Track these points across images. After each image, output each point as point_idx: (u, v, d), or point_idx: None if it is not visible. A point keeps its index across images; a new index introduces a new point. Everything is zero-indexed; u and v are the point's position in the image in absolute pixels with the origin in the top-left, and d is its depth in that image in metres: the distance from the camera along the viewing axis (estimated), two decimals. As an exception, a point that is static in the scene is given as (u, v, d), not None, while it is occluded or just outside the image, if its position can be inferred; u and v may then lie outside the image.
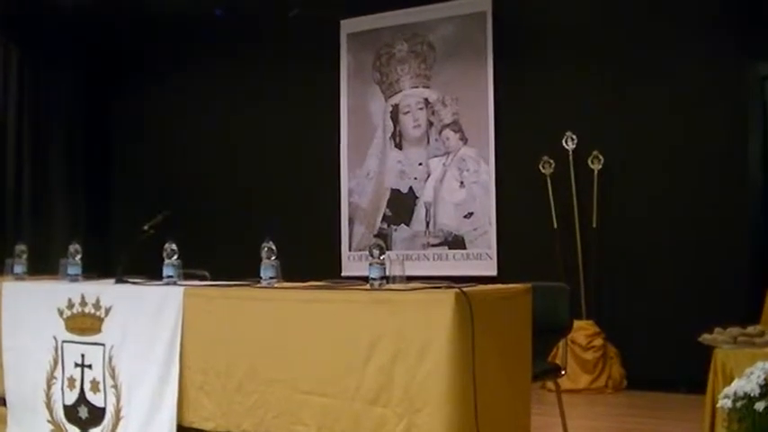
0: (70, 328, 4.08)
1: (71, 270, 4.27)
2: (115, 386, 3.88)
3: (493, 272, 6.50)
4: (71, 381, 4.04)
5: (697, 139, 5.92)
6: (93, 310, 4.01)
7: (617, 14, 6.24)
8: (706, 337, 3.79)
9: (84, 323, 4.04)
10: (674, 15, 6.02)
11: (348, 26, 7.34)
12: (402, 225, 7.02)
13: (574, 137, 6.22)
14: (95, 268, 4.46)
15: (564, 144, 6.24)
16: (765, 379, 3.01)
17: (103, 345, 3.94)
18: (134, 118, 8.34)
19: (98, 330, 3.97)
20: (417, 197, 6.98)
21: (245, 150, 7.73)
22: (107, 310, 3.96)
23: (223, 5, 7.55)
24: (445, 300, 3.00)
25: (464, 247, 6.74)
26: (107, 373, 3.91)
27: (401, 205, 7.04)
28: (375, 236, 6.91)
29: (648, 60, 6.08)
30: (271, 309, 3.49)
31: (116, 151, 8.50)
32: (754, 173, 5.78)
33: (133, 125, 8.35)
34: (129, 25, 8.04)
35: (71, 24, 7.87)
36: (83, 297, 4.05)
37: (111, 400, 3.88)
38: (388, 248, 6.68)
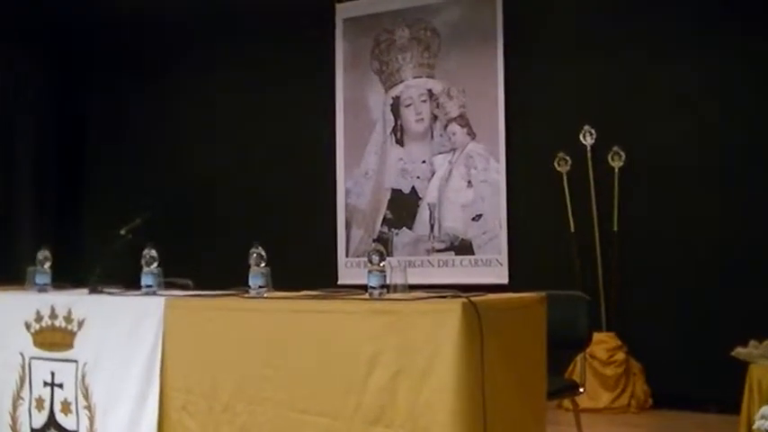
0: (39, 344, 4.08)
1: (40, 279, 4.27)
2: (88, 407, 3.87)
3: (504, 280, 6.51)
4: (39, 401, 4.04)
5: (730, 133, 5.92)
6: (64, 324, 4.01)
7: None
8: (740, 351, 3.80)
9: (55, 338, 4.04)
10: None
11: (344, 10, 7.36)
12: (404, 229, 7.03)
13: (592, 131, 6.22)
14: (67, 277, 4.46)
15: (581, 139, 6.25)
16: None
17: (76, 362, 3.93)
18: (111, 115, 8.36)
19: (70, 346, 3.97)
20: (420, 198, 6.98)
21: (230, 148, 7.74)
22: (80, 324, 3.96)
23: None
24: (451, 311, 3.00)
25: (472, 253, 6.74)
26: (80, 393, 3.91)
27: (403, 207, 7.05)
28: (374, 240, 6.92)
29: (677, 45, 6.09)
30: (260, 321, 3.49)
31: (91, 150, 8.52)
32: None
33: (110, 122, 8.37)
34: (103, 20, 8.07)
35: (46, 22, 7.91)
36: (53, 309, 4.05)
37: (84, 422, 3.88)
38: (389, 254, 6.69)
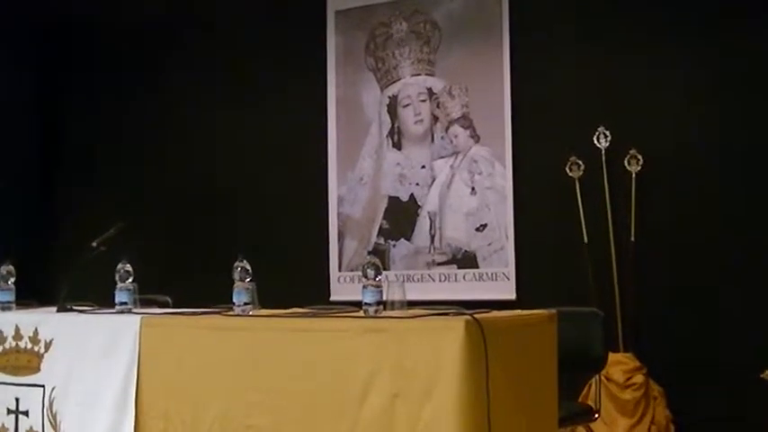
0: (2, 367, 4.09)
1: (3, 296, 4.29)
2: (57, 436, 3.88)
3: (511, 295, 6.51)
4: (3, 431, 4.04)
5: (759, 134, 5.94)
6: (29, 345, 4.02)
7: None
8: (769, 373, 3.82)
9: (19, 360, 4.05)
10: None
11: (336, 2, 7.37)
12: (402, 240, 7.04)
13: (607, 133, 6.24)
14: (33, 294, 4.48)
15: (595, 141, 6.26)
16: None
17: (43, 386, 3.95)
18: (85, 115, 8.36)
19: (36, 369, 3.98)
20: (420, 206, 7.00)
21: (212, 151, 7.74)
22: (47, 345, 3.97)
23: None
24: (454, 329, 3.02)
25: (476, 266, 6.76)
26: (47, 421, 3.91)
27: (401, 216, 7.06)
28: (370, 253, 6.93)
29: (699, 39, 6.11)
30: (246, 341, 3.51)
31: (63, 153, 8.49)
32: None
33: (86, 127, 8.37)
34: (82, 20, 8.12)
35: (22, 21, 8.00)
36: (17, 329, 4.07)
37: (53, 452, 3.88)
38: (386, 268, 6.70)
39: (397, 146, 7.11)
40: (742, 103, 6.00)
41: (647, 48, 6.25)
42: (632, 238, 6.14)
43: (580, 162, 6.29)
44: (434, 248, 6.91)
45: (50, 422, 3.89)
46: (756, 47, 5.96)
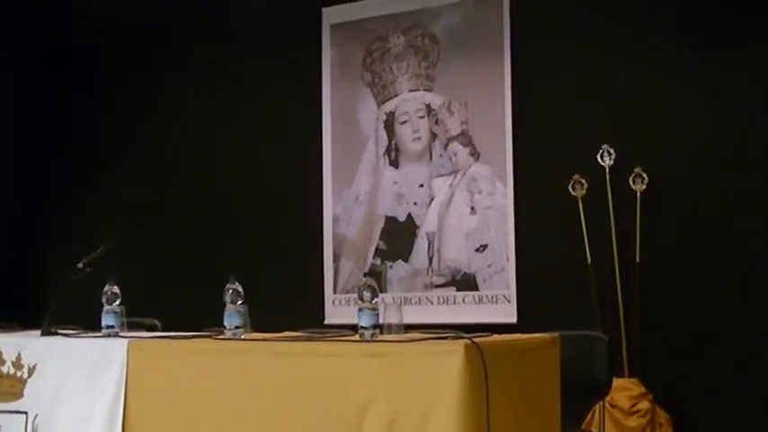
0: (-16, 393, 4.08)
1: (-15, 319, 4.28)
2: (41, 465, 3.87)
3: (512, 318, 6.52)
4: (-15, 458, 4.04)
5: (766, 153, 5.95)
6: (12, 370, 4.01)
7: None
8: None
9: (1, 386, 4.04)
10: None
11: (332, 15, 7.40)
12: (399, 261, 7.04)
13: (611, 150, 6.25)
14: (16, 317, 4.47)
15: (599, 159, 6.28)
16: None
17: (26, 413, 3.93)
18: (69, 130, 8.37)
19: (19, 395, 3.97)
20: (418, 226, 7.00)
21: (204, 169, 7.75)
22: (30, 370, 3.96)
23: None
24: (453, 353, 3.02)
25: (476, 288, 6.76)
26: (31, 449, 3.90)
27: (398, 236, 7.07)
28: (366, 274, 6.92)
29: (704, 54, 6.14)
30: (237, 366, 3.50)
31: (48, 170, 8.48)
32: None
33: (66, 138, 8.38)
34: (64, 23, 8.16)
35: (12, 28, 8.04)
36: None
37: (36, 482, 3.87)
38: (382, 290, 6.68)
39: (395, 164, 7.12)
40: (748, 121, 6.02)
41: (653, 64, 6.27)
42: (637, 259, 6.15)
43: (583, 181, 6.31)
44: (433, 270, 6.91)
45: (33, 450, 3.89)
46: (763, 66, 5.99)
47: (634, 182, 6.18)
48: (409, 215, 7.04)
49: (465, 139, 6.88)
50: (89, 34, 8.06)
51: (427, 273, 6.93)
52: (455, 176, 6.90)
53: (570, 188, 6.34)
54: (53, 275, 4.89)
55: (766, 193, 5.95)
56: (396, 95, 7.15)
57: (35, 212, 8.37)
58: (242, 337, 3.66)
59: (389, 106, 7.17)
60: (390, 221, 7.11)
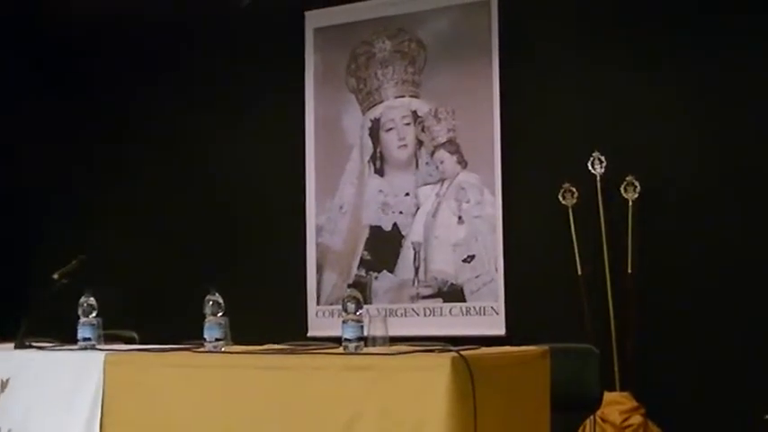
0: (-45, 408, 4.06)
1: (-43, 332, 4.27)
2: (14, 483, 3.86)
3: (500, 331, 6.52)
4: (-44, 476, 4.01)
5: (759, 160, 5.99)
6: (-15, 384, 4.00)
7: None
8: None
9: (-26, 401, 4.02)
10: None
11: (315, 19, 7.41)
12: (384, 272, 7.04)
13: (602, 158, 6.27)
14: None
15: (590, 167, 6.29)
16: None
17: (-1, 429, 3.92)
18: (46, 141, 8.34)
19: (-8, 410, 3.95)
20: (404, 236, 7.01)
21: (183, 177, 7.73)
22: (3, 384, 3.95)
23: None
24: (440, 367, 3.02)
25: (463, 300, 6.76)
26: (3, 466, 3.89)
27: (383, 246, 7.07)
28: (350, 286, 6.88)
29: (697, 61, 6.17)
30: (218, 379, 3.50)
31: (24, 180, 8.43)
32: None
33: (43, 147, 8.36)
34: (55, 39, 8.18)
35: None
36: (-28, 367, 4.04)
37: (9, 501, 3.86)
38: (367, 302, 6.70)
39: (380, 172, 7.13)
40: (741, 129, 6.05)
41: (644, 70, 6.30)
42: (629, 270, 6.16)
43: (574, 189, 6.32)
44: (419, 281, 6.91)
45: (6, 468, 3.87)
46: (757, 74, 6.02)
47: (626, 190, 6.20)
48: (395, 225, 7.04)
49: (452, 146, 6.89)
50: (88, 35, 8.04)
51: (413, 284, 6.93)
52: (442, 185, 6.90)
53: (560, 197, 6.35)
54: (23, 288, 4.87)
55: (760, 201, 5.98)
56: (381, 102, 7.15)
57: (14, 224, 8.35)
58: (222, 349, 3.66)
59: (375, 113, 7.17)
60: (375, 231, 7.11)
